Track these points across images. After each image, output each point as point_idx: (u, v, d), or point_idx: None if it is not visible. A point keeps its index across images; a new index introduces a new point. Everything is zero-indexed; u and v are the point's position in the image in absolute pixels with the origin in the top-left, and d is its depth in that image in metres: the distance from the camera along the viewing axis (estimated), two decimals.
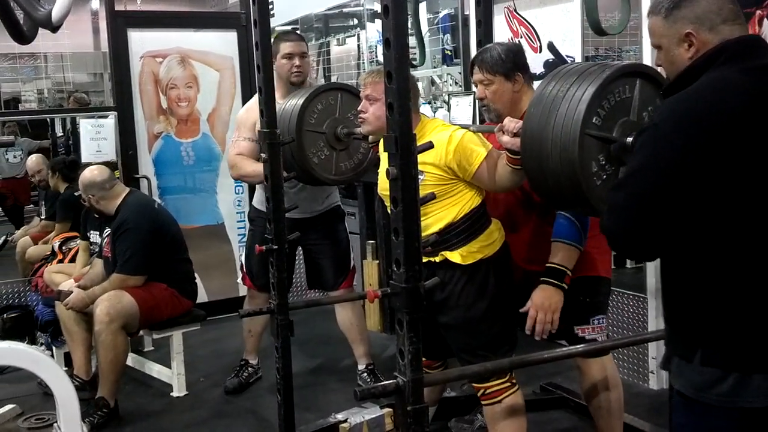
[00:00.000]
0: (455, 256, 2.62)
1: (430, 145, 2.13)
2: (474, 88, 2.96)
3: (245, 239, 4.43)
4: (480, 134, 2.65)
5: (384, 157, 2.39)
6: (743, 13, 1.85)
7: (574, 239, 2.61)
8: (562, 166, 2.02)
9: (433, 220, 2.61)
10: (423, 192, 2.31)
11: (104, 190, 3.92)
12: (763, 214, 1.59)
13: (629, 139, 2.02)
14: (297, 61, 3.65)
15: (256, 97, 3.75)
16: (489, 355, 2.61)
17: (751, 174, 1.58)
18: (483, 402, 2.70)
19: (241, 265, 4.12)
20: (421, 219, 2.53)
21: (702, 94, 1.63)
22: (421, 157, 2.02)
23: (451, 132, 2.60)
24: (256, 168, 3.42)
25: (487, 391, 2.67)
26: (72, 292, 3.92)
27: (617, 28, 3.72)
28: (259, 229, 3.77)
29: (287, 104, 3.29)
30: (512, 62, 2.73)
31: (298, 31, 3.99)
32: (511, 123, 2.36)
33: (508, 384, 2.67)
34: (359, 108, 2.78)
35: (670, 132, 1.60)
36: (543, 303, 2.59)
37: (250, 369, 4.07)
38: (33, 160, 5.93)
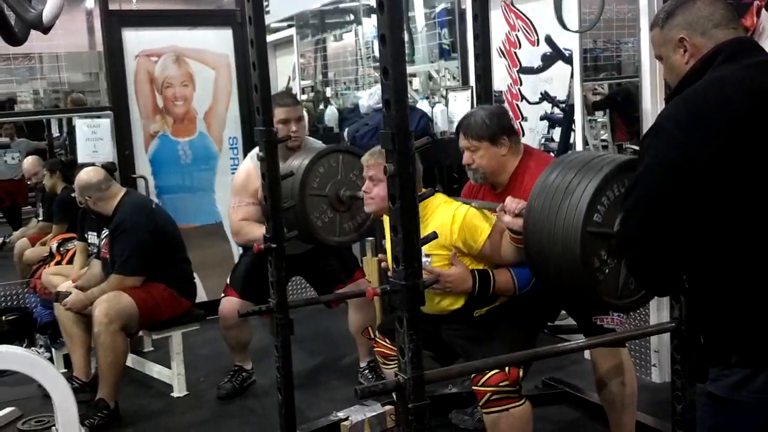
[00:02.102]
0: (483, 311, 2.70)
1: (434, 236, 2.15)
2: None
3: None
4: (484, 210, 2.66)
5: (388, 226, 2.43)
6: (741, 4, 1.85)
7: (521, 281, 2.62)
8: (564, 262, 2.06)
9: (452, 299, 2.67)
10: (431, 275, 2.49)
11: (101, 191, 3.90)
12: (764, 208, 1.59)
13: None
14: (293, 127, 3.65)
15: (248, 160, 3.84)
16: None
17: (759, 166, 1.58)
18: (485, 411, 2.56)
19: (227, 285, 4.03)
20: (439, 298, 2.65)
21: (702, 92, 1.66)
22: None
23: (454, 211, 2.62)
24: (263, 232, 3.42)
25: (493, 397, 2.52)
26: (70, 293, 3.91)
27: (587, 26, 3.75)
28: (249, 258, 3.81)
29: (289, 169, 3.24)
30: (497, 126, 2.73)
31: (293, 94, 3.95)
32: (512, 203, 2.38)
33: (516, 395, 2.54)
34: (363, 189, 2.80)
35: (673, 130, 1.62)
36: (455, 277, 2.58)
37: (244, 374, 4.04)
38: (29, 162, 5.91)
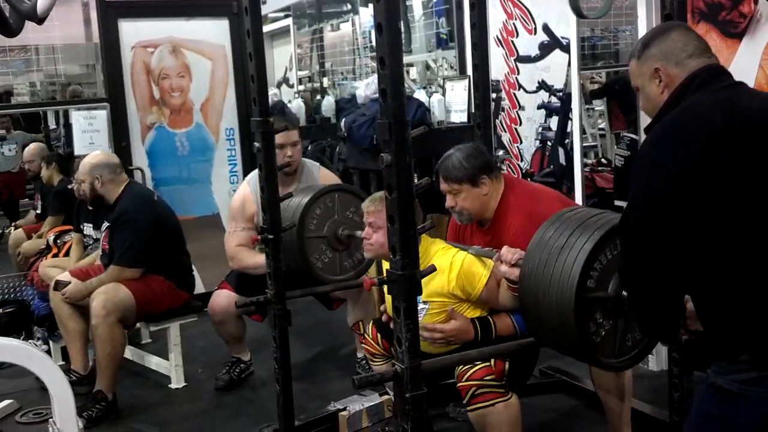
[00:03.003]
0: None
1: (432, 269, 2.13)
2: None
3: None
4: (480, 257, 2.66)
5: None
6: None
7: (521, 325, 2.60)
8: (559, 325, 2.05)
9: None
10: (433, 320, 2.57)
11: (114, 173, 3.91)
12: (757, 218, 1.61)
13: (625, 293, 2.03)
14: (288, 151, 3.64)
15: (245, 185, 3.85)
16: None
17: (742, 178, 1.61)
18: (469, 408, 2.53)
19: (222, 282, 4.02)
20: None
21: (681, 116, 1.72)
22: (425, 290, 2.09)
23: (452, 258, 2.63)
24: (257, 260, 3.42)
25: (477, 391, 2.49)
26: (70, 282, 3.90)
27: (599, 12, 3.70)
28: None
29: (285, 211, 3.19)
30: (474, 167, 2.74)
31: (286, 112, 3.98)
32: (508, 254, 2.39)
33: (502, 390, 2.52)
34: (363, 234, 2.80)
35: (655, 154, 1.68)
36: (456, 331, 2.60)
37: (242, 365, 4.04)
38: (31, 148, 5.81)
